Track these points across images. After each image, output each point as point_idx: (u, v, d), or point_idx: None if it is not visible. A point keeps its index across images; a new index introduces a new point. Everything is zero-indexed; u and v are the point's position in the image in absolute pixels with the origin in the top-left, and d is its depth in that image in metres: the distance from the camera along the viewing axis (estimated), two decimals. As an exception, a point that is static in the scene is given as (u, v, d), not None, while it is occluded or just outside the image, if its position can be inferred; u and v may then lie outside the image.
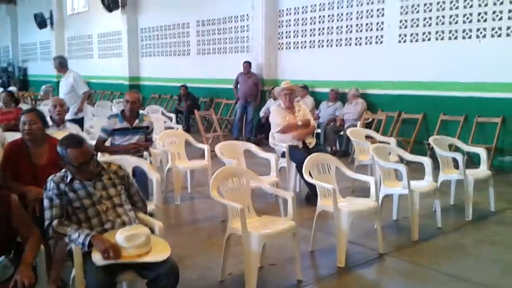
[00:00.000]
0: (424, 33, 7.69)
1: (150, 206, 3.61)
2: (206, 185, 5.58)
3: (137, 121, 4.96)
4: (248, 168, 5.05)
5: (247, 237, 3.10)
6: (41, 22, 18.20)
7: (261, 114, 9.81)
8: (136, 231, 2.51)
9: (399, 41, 8.05)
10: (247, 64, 9.93)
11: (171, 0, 12.81)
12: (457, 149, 5.75)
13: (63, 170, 2.76)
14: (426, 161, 4.54)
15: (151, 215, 3.21)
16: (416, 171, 4.93)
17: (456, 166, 5.08)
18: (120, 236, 2.47)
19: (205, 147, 5.65)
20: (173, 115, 9.51)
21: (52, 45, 18.32)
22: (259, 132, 9.71)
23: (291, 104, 5.67)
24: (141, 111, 5.19)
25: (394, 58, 8.08)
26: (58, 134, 4.59)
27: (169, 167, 5.47)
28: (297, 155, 5.32)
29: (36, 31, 18.73)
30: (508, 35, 6.71)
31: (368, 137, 6.32)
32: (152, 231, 2.73)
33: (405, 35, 7.96)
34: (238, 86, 10.11)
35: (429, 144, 7.23)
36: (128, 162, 3.95)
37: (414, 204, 4.19)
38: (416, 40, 7.81)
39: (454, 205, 5.19)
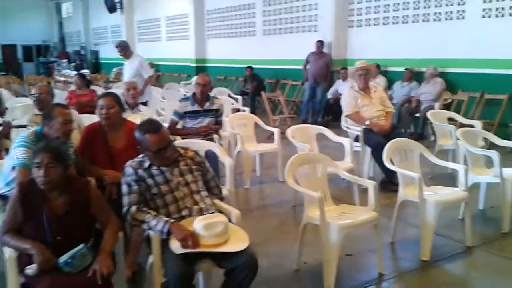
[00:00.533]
0: (511, 7, 6.99)
1: (223, 191, 3.54)
2: (275, 168, 5.50)
3: (207, 103, 4.90)
4: (320, 152, 4.91)
5: (326, 228, 2.93)
6: (111, 6, 18.73)
7: (329, 95, 9.52)
8: (214, 220, 2.42)
9: (483, 16, 7.39)
10: (320, 43, 9.58)
11: (237, -19, 12.65)
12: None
13: (141, 155, 2.71)
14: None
15: (222, 199, 3.12)
16: (505, 157, 4.49)
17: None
18: (198, 225, 2.39)
19: (275, 130, 5.50)
20: (239, 97, 9.45)
21: (123, 28, 18.84)
22: (327, 113, 9.44)
23: (366, 85, 5.36)
24: (212, 94, 5.14)
25: (477, 35, 7.45)
26: (132, 117, 4.64)
27: (239, 150, 5.39)
28: (373, 139, 5.04)
29: (107, 15, 19.31)
30: None
31: (450, 119, 5.89)
32: (229, 218, 2.64)
33: (490, 10, 7.28)
34: (308, 66, 9.81)
35: (516, 127, 6.68)
36: (200, 145, 3.90)
37: (507, 193, 3.82)
38: (502, 15, 7.13)
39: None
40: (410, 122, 8.01)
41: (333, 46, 9.83)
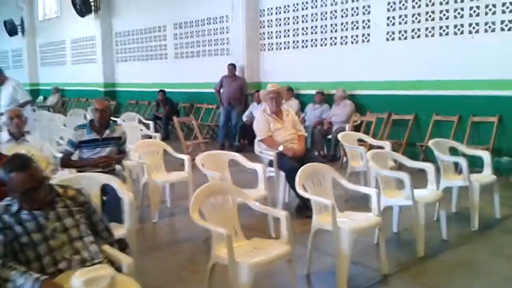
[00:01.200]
0: (413, 30, 7.33)
1: (122, 231, 3.13)
2: (187, 198, 5.12)
3: (107, 131, 4.45)
4: (233, 178, 4.65)
5: (235, 269, 2.62)
6: (11, 29, 17.43)
7: (244, 118, 9.36)
8: (97, 274, 2.01)
9: (387, 39, 7.69)
10: (232, 67, 9.45)
11: (146, 3, 12.26)
12: (455, 152, 5.33)
13: (8, 198, 2.25)
14: (430, 167, 4.12)
15: (121, 242, 2.71)
16: (415, 177, 4.50)
17: (457, 169, 4.72)
18: (77, 281, 1.97)
19: (185, 157, 5.15)
20: (151, 123, 9.00)
21: (24, 52, 17.58)
22: (243, 137, 9.26)
23: (278, 109, 5.22)
24: (118, 120, 4.69)
25: (382, 57, 7.72)
26: (19, 149, 4.08)
27: (145, 181, 4.96)
28: (286, 164, 4.88)
29: (7, 39, 17.94)
30: (502, 29, 6.39)
31: (360, 141, 5.91)
32: (120, 269, 2.24)
33: (393, 33, 7.59)
34: (222, 90, 9.62)
35: (422, 146, 6.91)
36: (96, 179, 3.45)
37: (419, 216, 3.77)
38: (405, 38, 7.45)
39: (456, 213, 4.81)
40: (323, 144, 8.05)
41: (246, 69, 9.75)
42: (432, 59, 7.08)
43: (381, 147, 5.45)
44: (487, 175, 4.62)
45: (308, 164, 3.75)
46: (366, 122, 7.84)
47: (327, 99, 8.47)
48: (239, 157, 4.55)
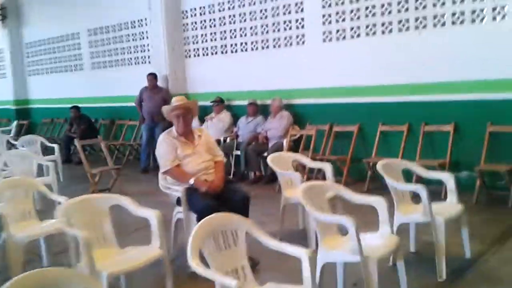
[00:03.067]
0: (352, 28, 6.38)
1: None
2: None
3: None
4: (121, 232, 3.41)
5: None
6: None
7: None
8: None
9: (324, 40, 6.70)
10: (152, 77, 8.18)
11: (58, 9, 10.71)
12: (408, 174, 4.31)
13: None
14: (379, 202, 3.05)
15: None
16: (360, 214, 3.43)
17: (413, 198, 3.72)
18: None
19: (61, 199, 3.78)
20: (55, 146, 7.60)
21: None
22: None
23: (187, 129, 4.04)
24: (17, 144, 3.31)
25: (320, 60, 6.72)
26: None
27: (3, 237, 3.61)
28: (198, 202, 3.70)
29: None
30: (453, 23, 5.52)
31: (296, 162, 4.83)
32: None
33: (330, 32, 6.62)
34: (143, 104, 8.32)
35: (369, 163, 5.94)
36: None
37: (371, 275, 2.69)
38: (344, 37, 6.49)
39: (415, 254, 3.80)
40: (259, 163, 6.92)
41: (170, 79, 8.51)
42: (375, 61, 6.15)
43: (320, 170, 4.37)
44: (452, 204, 3.62)
45: (212, 216, 2.59)
46: (306, 136, 6.79)
47: (263, 110, 7.39)
48: (123, 201, 3.28)
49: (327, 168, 4.40)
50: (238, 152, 7.05)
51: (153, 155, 8.10)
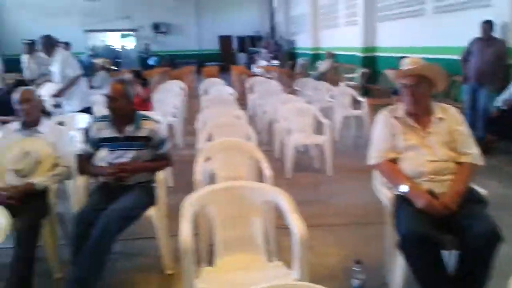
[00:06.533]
0: None
1: None
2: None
3: (131, 128, 3.17)
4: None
5: None
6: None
7: (499, 103, 6.19)
8: None
9: None
10: (488, 25, 6.34)
11: None
12: None
13: None
14: None
15: None
16: None
17: None
18: None
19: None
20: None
21: (308, 16, 17.37)
22: (490, 131, 6.18)
23: (419, 107, 2.69)
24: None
25: None
26: (22, 143, 3.32)
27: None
28: (406, 222, 2.46)
29: (306, 2, 17.99)
30: None
31: None
32: None
33: None
34: (470, 59, 6.62)
35: None
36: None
37: None
38: None
39: None
40: None
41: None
42: None
43: None
44: None
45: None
46: None
47: None
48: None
49: None
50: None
51: (474, 123, 6.48)
